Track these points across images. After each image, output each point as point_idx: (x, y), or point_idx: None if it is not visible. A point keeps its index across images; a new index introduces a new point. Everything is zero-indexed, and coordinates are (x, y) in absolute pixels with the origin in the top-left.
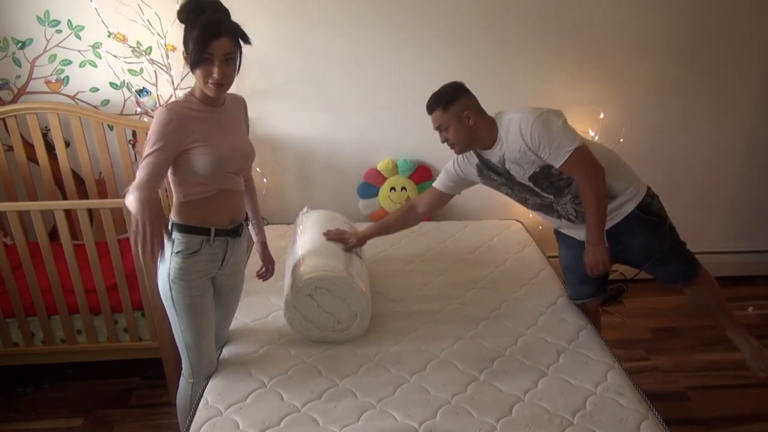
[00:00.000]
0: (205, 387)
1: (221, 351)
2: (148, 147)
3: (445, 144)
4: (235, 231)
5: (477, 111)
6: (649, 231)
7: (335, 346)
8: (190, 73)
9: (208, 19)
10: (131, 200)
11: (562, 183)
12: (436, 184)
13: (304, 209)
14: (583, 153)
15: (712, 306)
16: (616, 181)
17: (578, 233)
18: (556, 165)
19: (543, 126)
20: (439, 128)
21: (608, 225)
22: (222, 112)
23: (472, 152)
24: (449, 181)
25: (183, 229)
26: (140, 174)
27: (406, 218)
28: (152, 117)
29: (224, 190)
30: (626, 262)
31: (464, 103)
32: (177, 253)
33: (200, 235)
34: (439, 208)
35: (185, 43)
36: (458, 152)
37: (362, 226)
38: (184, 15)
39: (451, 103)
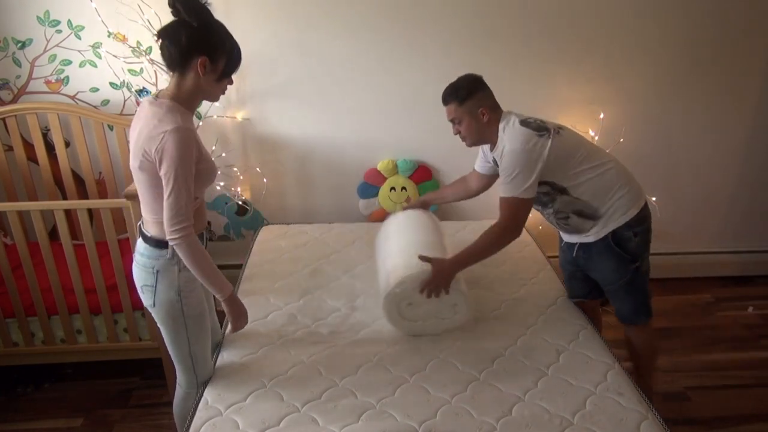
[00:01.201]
0: (205, 387)
1: (218, 352)
2: (180, 175)
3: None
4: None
5: (492, 108)
6: (612, 262)
7: (335, 346)
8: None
9: (232, 36)
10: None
11: (545, 198)
12: (475, 165)
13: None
14: (515, 205)
15: (640, 358)
16: (601, 204)
17: (564, 236)
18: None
19: (511, 160)
20: (452, 121)
21: (584, 240)
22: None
23: None
24: (483, 161)
25: None
26: (182, 212)
27: (461, 189)
28: None
29: (202, 198)
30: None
31: (480, 99)
32: (184, 268)
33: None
34: (486, 187)
35: (211, 52)
36: (469, 145)
37: (365, 226)
38: (200, 14)
39: (468, 98)
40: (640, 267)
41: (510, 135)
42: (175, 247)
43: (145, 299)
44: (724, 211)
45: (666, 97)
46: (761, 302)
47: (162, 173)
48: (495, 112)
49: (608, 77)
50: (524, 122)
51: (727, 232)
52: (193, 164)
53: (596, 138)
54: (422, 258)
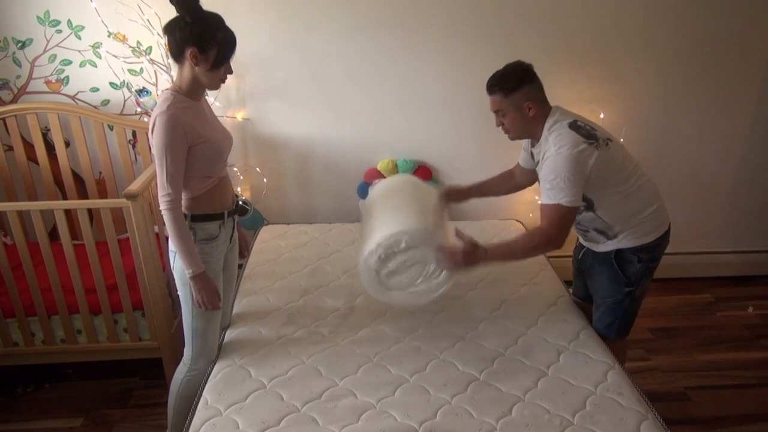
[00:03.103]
0: (205, 385)
1: (224, 335)
2: (162, 154)
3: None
4: (236, 209)
5: (540, 102)
6: (607, 278)
7: (335, 346)
8: (196, 70)
9: (227, 28)
10: (186, 267)
11: None
12: (519, 159)
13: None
14: (558, 213)
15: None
16: (622, 228)
17: (579, 237)
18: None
19: (554, 165)
20: (496, 112)
21: (591, 247)
22: (203, 105)
23: None
24: (525, 153)
25: (202, 218)
26: (165, 186)
27: (506, 182)
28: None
29: (222, 177)
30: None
31: (528, 92)
32: (199, 241)
33: (217, 220)
34: (533, 182)
35: (201, 44)
36: (511, 139)
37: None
38: (193, 11)
39: (515, 90)
40: (633, 292)
41: (556, 137)
42: (162, 215)
43: (171, 262)
44: (724, 211)
45: (666, 97)
46: (761, 302)
47: None
48: (543, 107)
49: (608, 77)
50: (573, 125)
51: (727, 232)
52: (178, 145)
53: None
54: (459, 234)
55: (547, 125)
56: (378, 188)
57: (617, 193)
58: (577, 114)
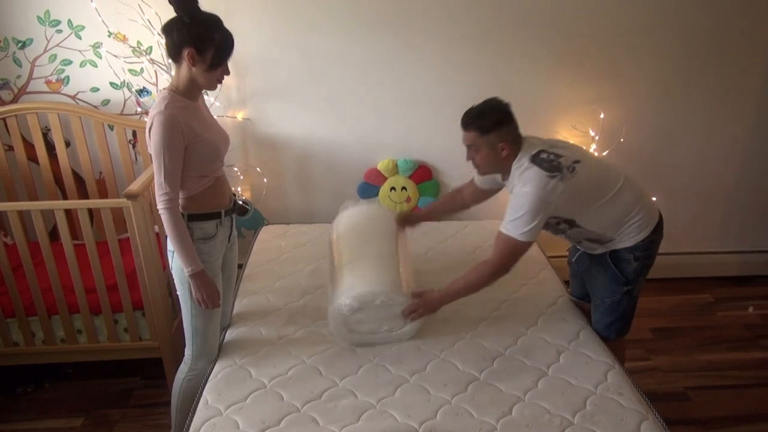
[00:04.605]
0: (205, 385)
1: (224, 334)
2: (160, 153)
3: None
4: (234, 208)
5: (513, 142)
6: (605, 278)
7: (335, 346)
8: (192, 70)
9: (225, 29)
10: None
11: (556, 230)
12: (475, 177)
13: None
14: (511, 246)
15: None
16: (613, 234)
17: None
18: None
19: (520, 201)
20: (468, 146)
21: (589, 251)
22: (199, 105)
23: None
24: (486, 176)
25: (198, 217)
26: (162, 185)
27: (451, 204)
28: None
29: (219, 176)
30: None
31: (503, 134)
32: (197, 240)
33: (214, 219)
34: (480, 201)
35: (198, 44)
36: (480, 174)
37: None
38: (192, 11)
39: (491, 131)
40: (631, 291)
41: (521, 175)
42: (160, 215)
43: (170, 262)
44: (724, 211)
45: (666, 97)
46: (761, 302)
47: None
48: (515, 147)
49: (609, 77)
50: (536, 159)
51: (727, 232)
52: (175, 145)
53: (596, 138)
54: (414, 294)
55: (515, 163)
56: (346, 220)
57: (598, 206)
58: (545, 140)
